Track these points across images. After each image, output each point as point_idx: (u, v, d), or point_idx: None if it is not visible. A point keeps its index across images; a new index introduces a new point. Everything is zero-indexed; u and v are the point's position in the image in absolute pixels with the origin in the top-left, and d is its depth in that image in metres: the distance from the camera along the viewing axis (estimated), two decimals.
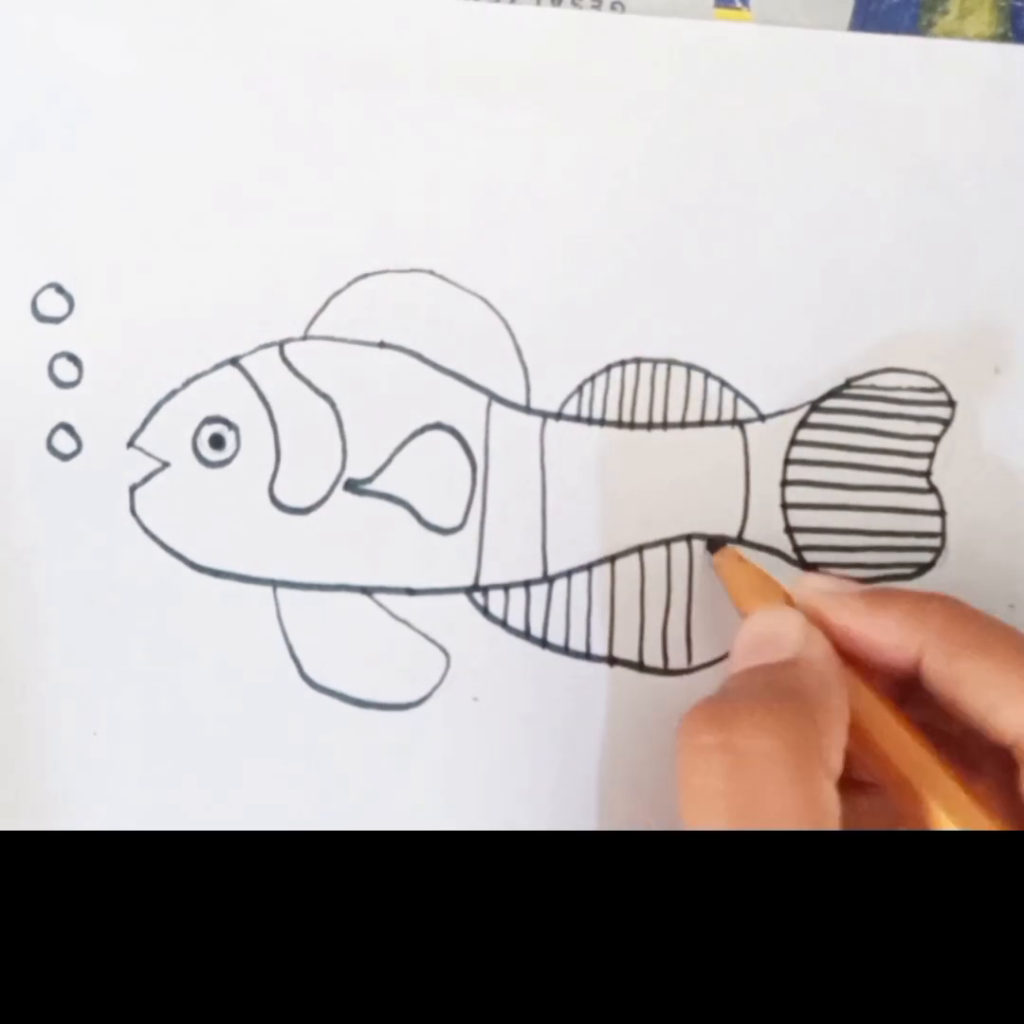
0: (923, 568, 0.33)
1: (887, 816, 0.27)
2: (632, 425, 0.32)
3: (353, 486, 0.30)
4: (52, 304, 0.29)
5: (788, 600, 0.28)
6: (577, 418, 0.31)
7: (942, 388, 0.33)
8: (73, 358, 0.29)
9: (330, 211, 0.30)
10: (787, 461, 0.32)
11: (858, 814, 0.27)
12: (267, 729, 0.30)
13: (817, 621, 0.27)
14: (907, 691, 0.27)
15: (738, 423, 0.32)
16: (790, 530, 0.32)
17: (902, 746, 0.25)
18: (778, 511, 0.32)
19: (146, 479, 0.29)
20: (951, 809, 0.24)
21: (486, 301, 0.31)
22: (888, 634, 0.26)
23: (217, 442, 0.29)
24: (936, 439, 0.33)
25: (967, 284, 0.33)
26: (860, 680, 0.26)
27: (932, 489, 0.33)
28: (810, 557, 0.32)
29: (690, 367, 0.32)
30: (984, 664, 0.25)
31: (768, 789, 0.23)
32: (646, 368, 0.31)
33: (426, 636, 0.30)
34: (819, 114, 0.32)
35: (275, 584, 0.30)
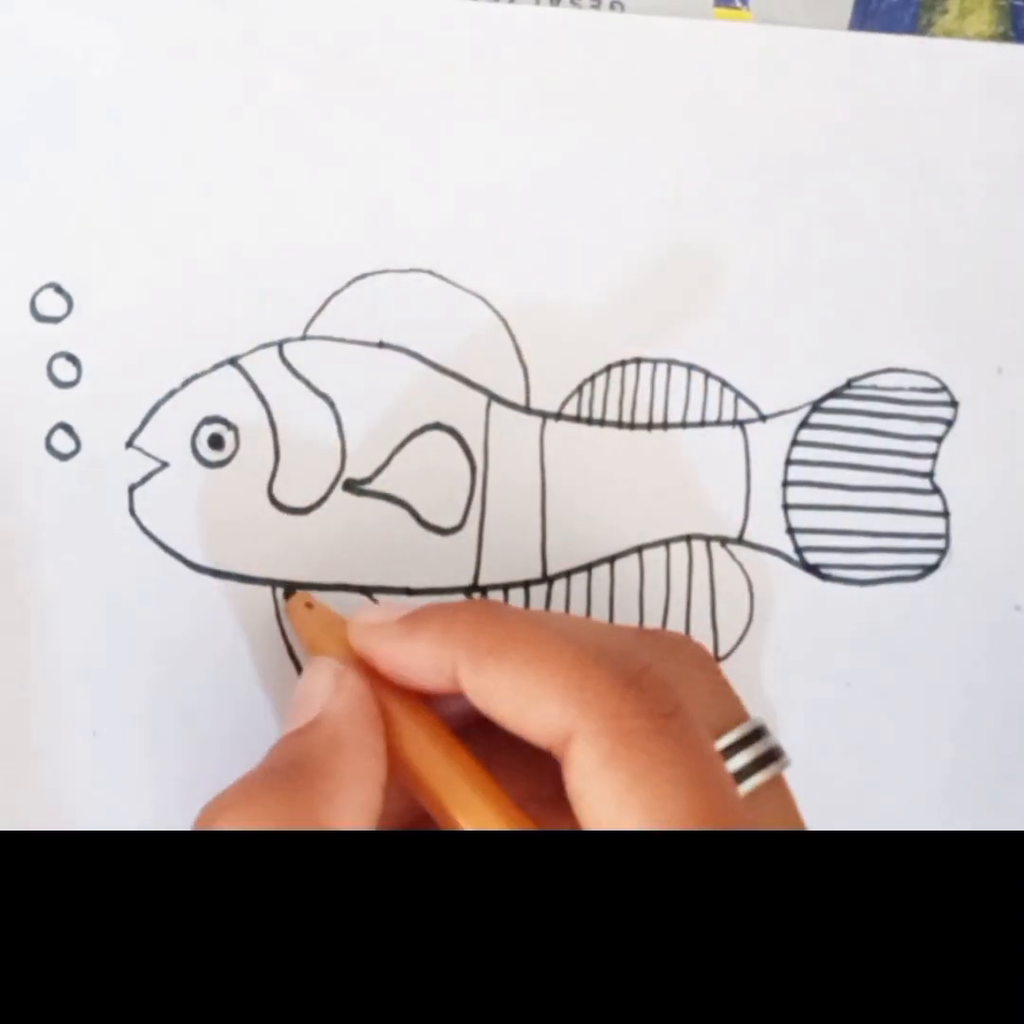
0: (927, 570, 0.33)
1: None
2: (632, 425, 0.31)
3: (352, 486, 0.30)
4: (51, 304, 0.29)
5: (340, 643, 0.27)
6: (577, 418, 0.31)
7: (944, 388, 0.33)
8: (72, 358, 0.29)
9: (329, 211, 0.30)
10: (788, 462, 0.32)
11: None
12: (267, 729, 0.30)
13: (366, 657, 0.26)
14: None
15: (739, 423, 0.32)
16: (791, 531, 0.32)
17: (438, 772, 0.25)
18: (779, 512, 0.32)
19: (145, 479, 0.29)
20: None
21: (486, 301, 0.31)
22: (422, 657, 0.25)
23: (216, 442, 0.29)
24: (939, 440, 0.33)
25: (968, 284, 0.33)
26: (411, 714, 0.26)
27: (935, 490, 0.33)
28: (812, 558, 0.32)
29: (690, 367, 0.32)
30: (505, 672, 0.24)
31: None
32: (646, 368, 0.31)
33: None
34: (819, 114, 0.32)
35: (274, 584, 0.30)
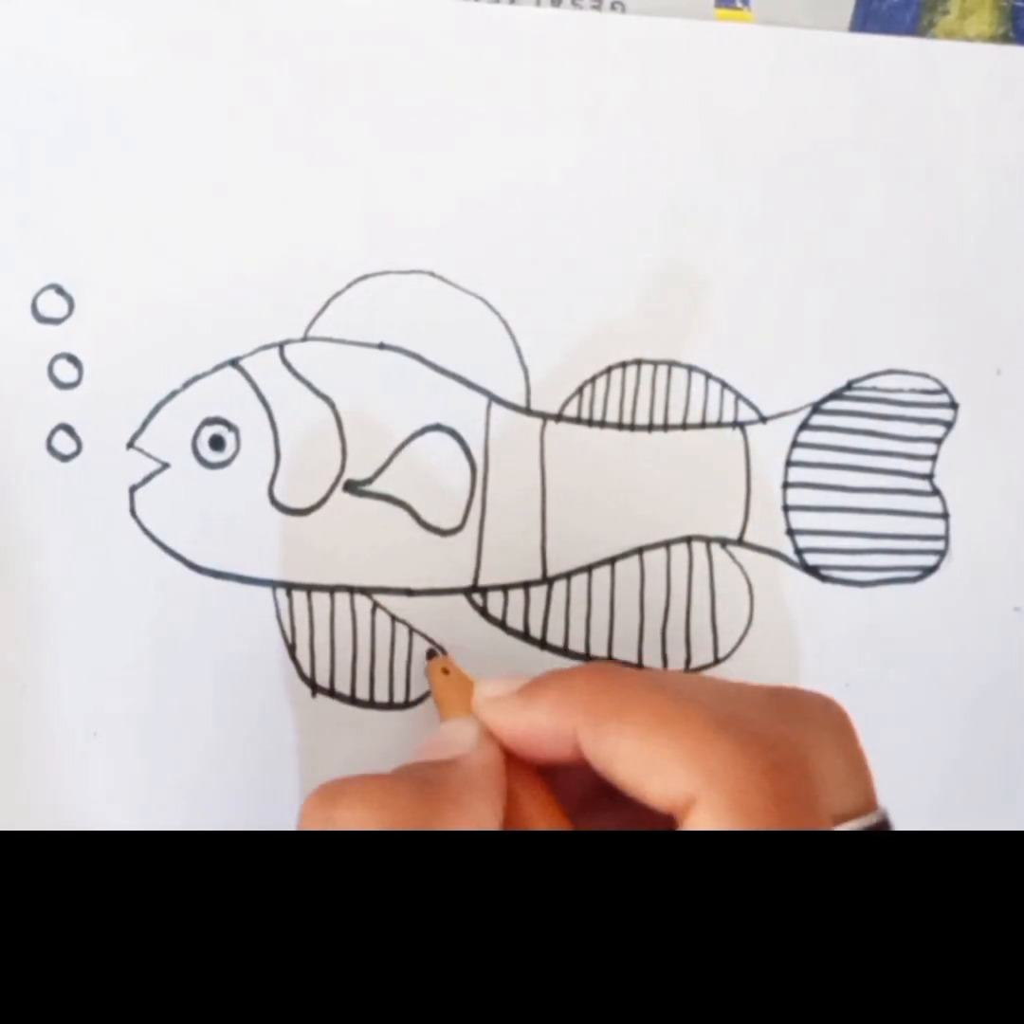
0: (927, 571, 0.33)
1: None
2: (633, 427, 0.31)
3: (353, 487, 0.30)
4: (52, 305, 0.29)
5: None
6: (577, 420, 0.31)
7: (944, 390, 0.33)
8: (73, 359, 0.29)
9: (330, 212, 0.30)
10: (788, 463, 0.32)
11: None
12: (267, 729, 0.30)
13: (490, 729, 0.26)
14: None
15: (739, 425, 0.32)
16: (791, 533, 0.32)
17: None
18: (780, 513, 0.32)
19: (146, 480, 0.29)
20: None
21: (486, 302, 0.31)
22: (542, 726, 0.25)
23: (217, 443, 0.30)
24: (938, 441, 0.33)
25: (968, 285, 0.33)
26: (536, 791, 0.26)
27: (935, 491, 0.33)
28: (812, 560, 0.32)
29: (691, 369, 0.32)
30: (627, 738, 0.24)
31: None
32: (647, 369, 0.31)
33: (425, 636, 0.30)
34: (819, 114, 0.32)
35: (275, 585, 0.30)
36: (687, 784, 0.23)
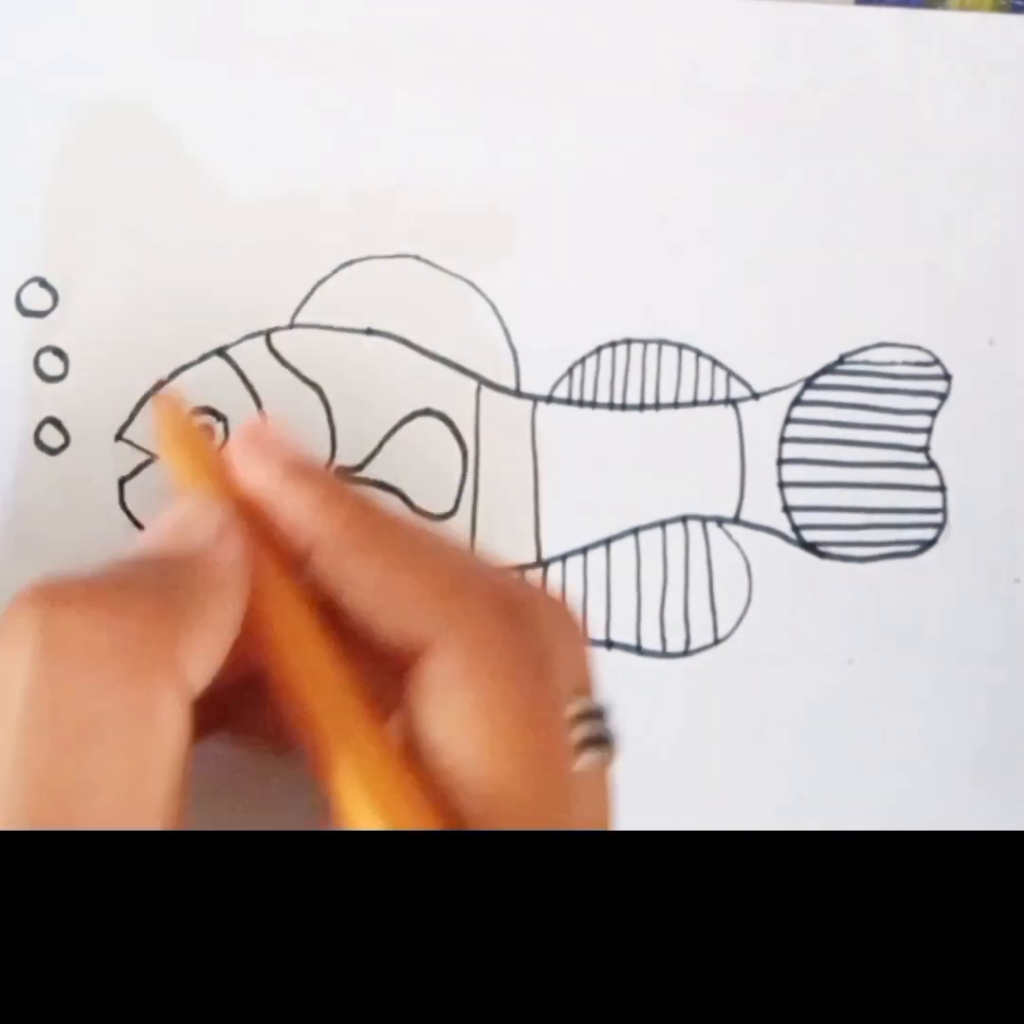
0: (925, 545, 0.32)
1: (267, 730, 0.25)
2: (624, 407, 0.31)
3: (343, 474, 0.30)
4: (36, 298, 0.29)
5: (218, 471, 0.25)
6: (568, 401, 0.31)
7: (937, 361, 0.32)
8: (59, 352, 0.29)
9: (314, 198, 0.30)
10: (782, 439, 0.32)
11: (278, 716, 0.24)
12: None
13: (239, 477, 0.24)
14: None
15: (731, 402, 0.32)
16: (787, 509, 0.32)
17: (299, 659, 0.23)
18: (775, 490, 0.32)
19: (135, 472, 0.29)
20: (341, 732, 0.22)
21: (473, 285, 0.31)
22: (290, 513, 0.24)
23: (205, 432, 0.29)
24: (933, 413, 0.33)
25: (958, 256, 0.33)
26: (279, 578, 0.24)
27: (931, 464, 0.33)
28: (809, 536, 0.32)
29: (681, 347, 0.31)
30: (370, 570, 0.23)
31: (84, 685, 0.20)
32: (637, 349, 0.31)
33: None
34: (808, 89, 0.32)
35: None
36: (426, 624, 0.23)
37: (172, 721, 0.21)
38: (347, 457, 0.30)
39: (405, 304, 0.30)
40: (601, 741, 0.24)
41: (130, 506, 0.29)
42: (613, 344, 0.31)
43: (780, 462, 0.32)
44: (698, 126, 0.31)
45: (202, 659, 0.22)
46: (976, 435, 0.33)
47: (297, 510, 0.24)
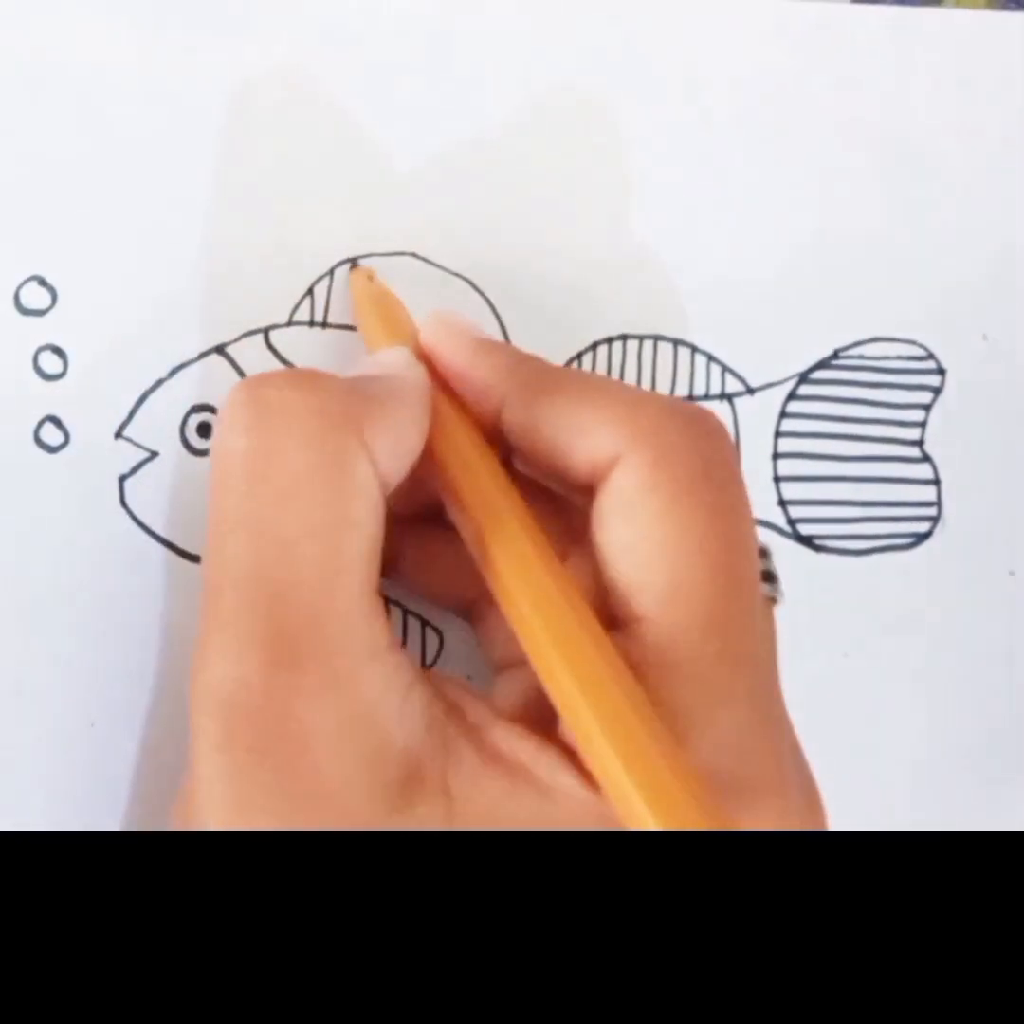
0: (920, 538, 0.33)
1: (461, 563, 0.26)
2: None
3: None
4: (35, 297, 0.29)
5: (410, 335, 0.28)
6: None
7: (931, 356, 0.33)
8: (58, 350, 0.29)
9: (312, 196, 0.30)
10: (777, 434, 0.32)
11: (459, 560, 0.26)
12: None
13: (431, 355, 0.26)
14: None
15: (726, 397, 0.32)
16: (783, 503, 0.32)
17: (481, 494, 0.24)
18: (770, 484, 0.32)
19: (135, 469, 0.29)
20: (516, 569, 0.23)
21: (470, 282, 0.31)
22: (478, 374, 0.26)
23: (205, 430, 0.29)
24: (927, 408, 0.33)
25: (952, 251, 0.33)
26: (462, 421, 0.26)
27: (926, 458, 0.33)
28: (804, 530, 0.32)
29: (676, 342, 0.32)
30: (557, 403, 0.24)
31: (289, 443, 0.22)
32: (632, 344, 0.31)
33: (419, 617, 0.30)
34: (802, 86, 0.32)
35: None
36: (612, 441, 0.24)
37: (366, 486, 0.23)
38: None
39: (402, 301, 0.30)
40: (770, 577, 0.25)
41: (130, 504, 0.29)
42: (609, 340, 0.31)
43: (775, 456, 0.32)
44: (693, 122, 0.32)
45: (388, 448, 0.23)
46: (970, 429, 0.33)
47: (487, 373, 0.26)
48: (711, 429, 0.24)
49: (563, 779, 0.23)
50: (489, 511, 0.24)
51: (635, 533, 0.23)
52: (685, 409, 0.24)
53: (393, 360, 0.26)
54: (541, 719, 0.24)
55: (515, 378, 0.25)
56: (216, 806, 0.21)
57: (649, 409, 0.24)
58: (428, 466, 0.25)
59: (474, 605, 0.28)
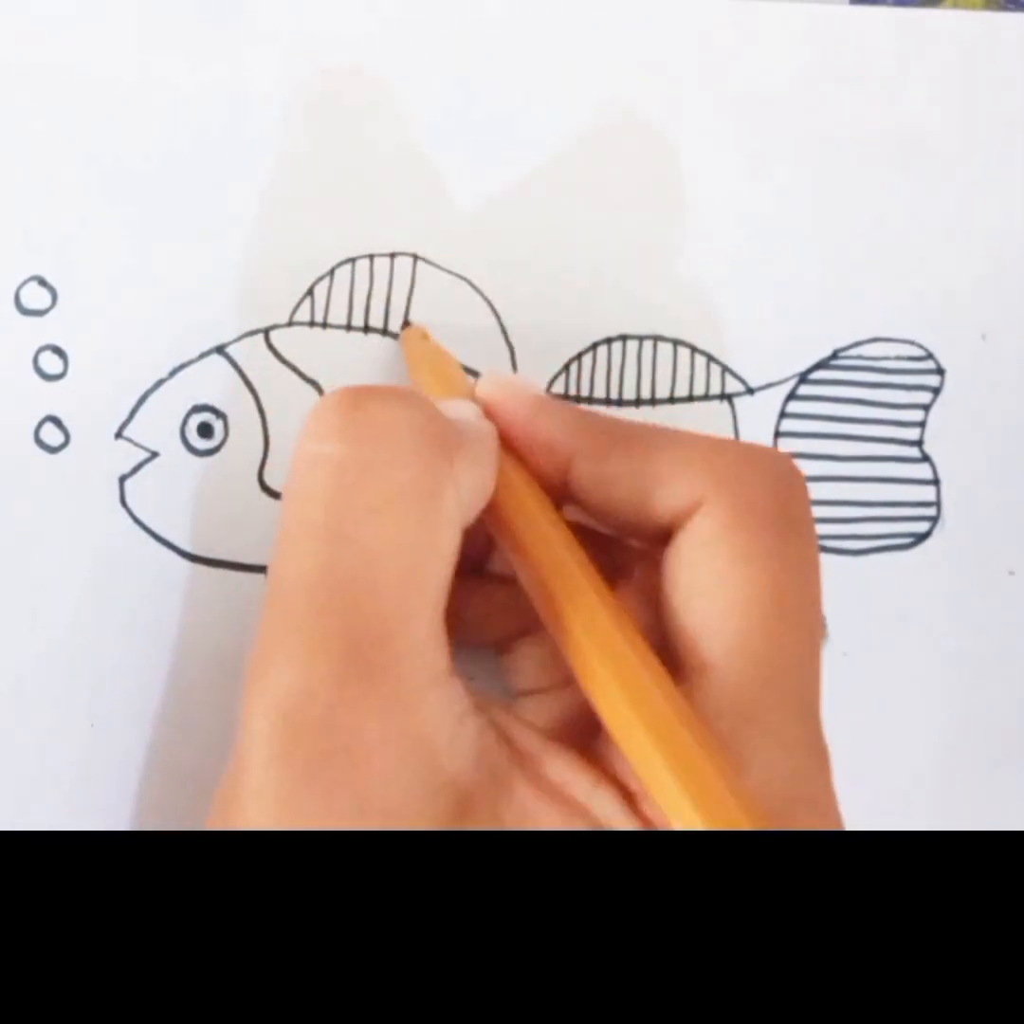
0: (919, 538, 0.33)
1: (517, 614, 0.26)
2: (620, 402, 0.31)
3: None
4: (35, 297, 0.29)
5: (468, 392, 0.27)
6: (565, 397, 0.31)
7: (930, 356, 0.33)
8: (58, 350, 0.29)
9: (312, 196, 0.30)
10: (777, 434, 0.32)
11: (493, 604, 0.27)
12: None
13: (491, 413, 0.26)
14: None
15: (726, 397, 0.32)
16: None
17: (547, 544, 0.24)
18: None
19: (135, 469, 0.29)
20: (584, 620, 0.23)
21: (470, 283, 0.31)
22: (544, 432, 0.25)
23: (205, 430, 0.29)
24: (926, 408, 0.33)
25: (951, 252, 0.33)
26: (521, 474, 0.25)
27: (925, 458, 0.33)
28: None
29: (676, 343, 0.32)
30: (633, 457, 0.24)
31: (387, 457, 0.22)
32: (632, 345, 0.31)
33: None
34: (800, 84, 0.32)
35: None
36: (691, 488, 0.23)
37: (452, 516, 0.22)
38: None
39: (402, 302, 0.30)
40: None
41: (130, 504, 0.29)
42: (609, 341, 0.31)
43: None
44: (693, 124, 0.32)
45: (472, 485, 0.23)
46: (969, 429, 0.33)
47: (553, 430, 0.25)
48: (791, 476, 0.24)
49: (619, 819, 0.22)
50: (557, 568, 0.24)
51: (712, 578, 0.23)
52: (765, 454, 0.24)
53: (462, 410, 0.25)
54: (569, 743, 0.24)
55: (583, 433, 0.25)
56: (265, 816, 0.21)
57: (729, 455, 0.24)
58: (486, 518, 0.25)
59: (501, 641, 0.28)
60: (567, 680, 0.25)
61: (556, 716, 0.26)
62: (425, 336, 0.29)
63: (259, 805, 0.21)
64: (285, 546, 0.22)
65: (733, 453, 0.24)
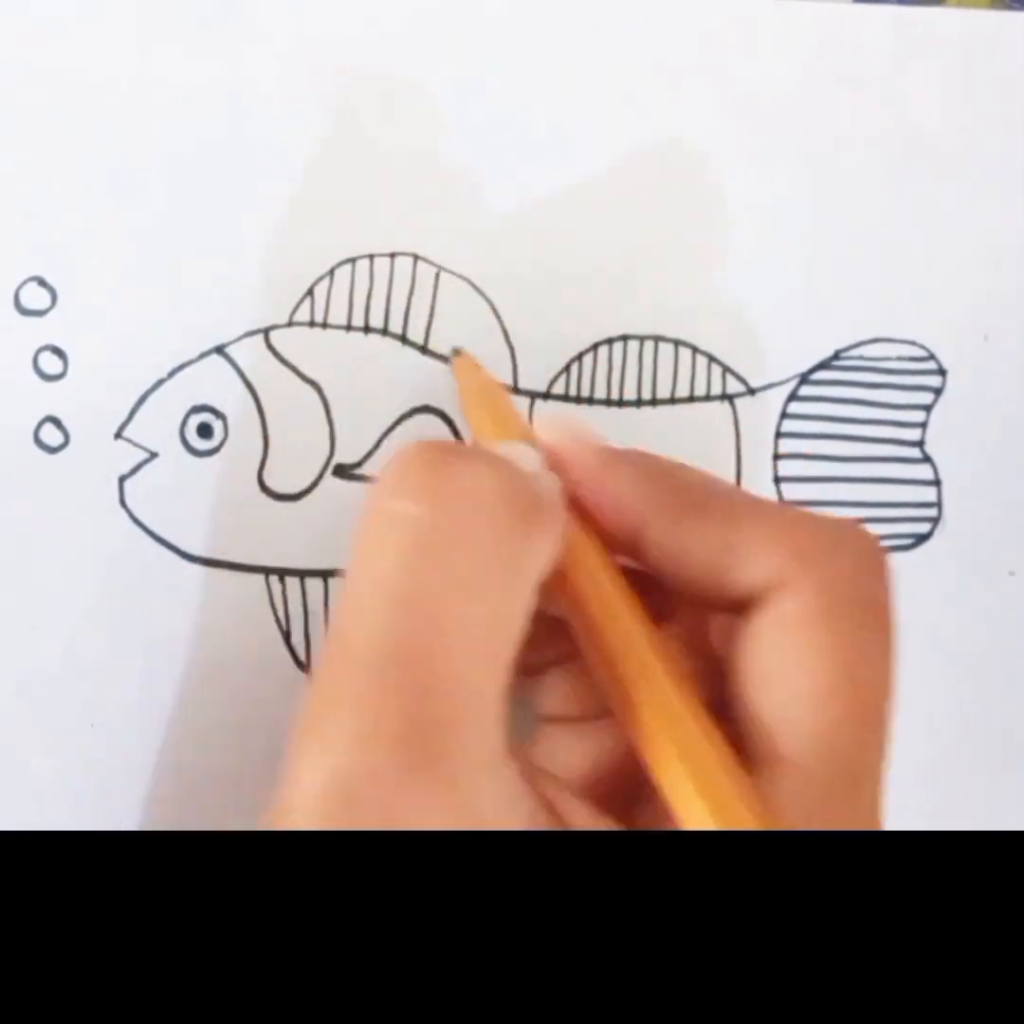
0: (920, 539, 0.33)
1: (552, 645, 0.25)
2: (621, 403, 0.31)
3: (342, 471, 0.30)
4: (35, 297, 0.29)
5: (526, 433, 0.26)
6: (565, 397, 0.31)
7: (932, 357, 0.33)
8: (58, 351, 0.29)
9: (312, 196, 0.30)
10: (778, 434, 0.32)
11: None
12: (263, 717, 0.30)
13: (553, 461, 0.24)
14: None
15: (727, 398, 0.32)
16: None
17: (621, 628, 0.22)
18: (771, 485, 0.32)
19: (135, 470, 0.29)
20: (657, 708, 0.22)
21: (471, 282, 0.31)
22: (612, 491, 0.24)
23: (205, 431, 0.29)
24: (928, 408, 0.33)
25: (953, 252, 0.33)
26: (583, 531, 0.24)
27: (926, 459, 0.33)
28: None
29: (677, 343, 0.32)
30: (711, 524, 0.23)
31: (474, 524, 0.20)
32: (633, 345, 0.31)
33: None
34: (803, 84, 0.32)
35: (267, 571, 0.30)
36: (778, 568, 0.22)
37: (530, 591, 0.21)
38: (346, 455, 0.30)
39: (403, 302, 0.30)
40: None
41: (130, 505, 0.29)
42: (610, 341, 0.31)
43: (776, 457, 0.32)
44: (694, 123, 0.32)
45: (547, 554, 0.22)
46: (971, 430, 0.33)
47: (623, 490, 0.23)
48: (876, 555, 0.23)
49: None
50: (634, 658, 0.22)
51: (794, 666, 0.22)
52: (851, 531, 0.23)
53: (527, 459, 0.24)
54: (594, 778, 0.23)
55: (655, 495, 0.23)
56: None
57: (816, 532, 0.23)
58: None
59: (530, 667, 0.26)
60: (596, 713, 0.25)
61: (581, 748, 0.25)
62: (477, 367, 0.28)
63: None
64: (353, 606, 0.21)
65: (819, 529, 0.23)
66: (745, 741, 0.23)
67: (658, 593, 0.24)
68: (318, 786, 0.20)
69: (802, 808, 0.22)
